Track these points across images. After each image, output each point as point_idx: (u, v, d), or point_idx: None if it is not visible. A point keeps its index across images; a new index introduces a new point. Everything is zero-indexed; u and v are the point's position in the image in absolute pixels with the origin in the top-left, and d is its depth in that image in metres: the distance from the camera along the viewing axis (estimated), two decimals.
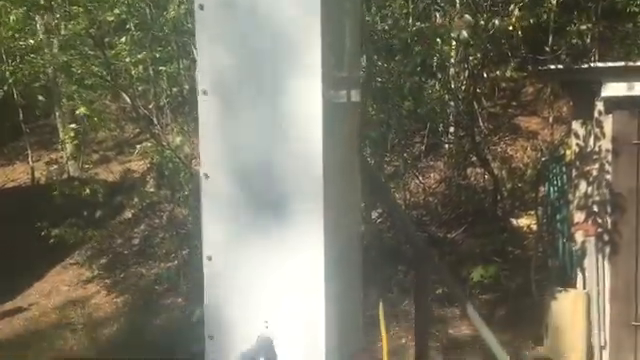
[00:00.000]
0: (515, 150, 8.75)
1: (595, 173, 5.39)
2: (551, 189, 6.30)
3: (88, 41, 7.58)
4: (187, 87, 7.30)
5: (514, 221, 7.51)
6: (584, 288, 5.46)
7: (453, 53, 7.41)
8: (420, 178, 8.21)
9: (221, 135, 2.01)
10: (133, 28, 7.53)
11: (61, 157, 11.19)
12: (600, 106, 5.29)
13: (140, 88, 8.50)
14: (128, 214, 9.26)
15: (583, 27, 7.28)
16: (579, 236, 5.54)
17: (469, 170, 8.21)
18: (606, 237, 5.25)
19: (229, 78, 2.01)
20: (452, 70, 7.72)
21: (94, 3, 7.43)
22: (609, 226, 5.23)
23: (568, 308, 5.36)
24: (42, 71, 9.46)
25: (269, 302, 2.00)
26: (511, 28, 6.07)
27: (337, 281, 2.11)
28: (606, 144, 5.28)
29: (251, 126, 1.99)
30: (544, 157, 7.60)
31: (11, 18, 8.28)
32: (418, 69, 6.58)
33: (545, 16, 7.26)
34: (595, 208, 5.37)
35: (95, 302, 7.57)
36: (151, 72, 8.33)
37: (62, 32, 8.32)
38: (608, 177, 5.27)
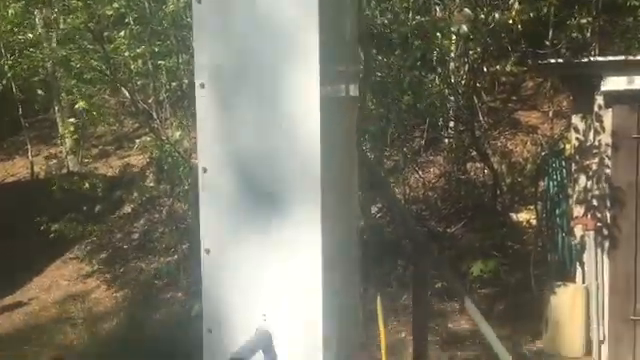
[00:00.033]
0: (515, 144, 8.74)
1: (595, 167, 5.39)
2: (551, 183, 6.30)
3: (87, 35, 7.56)
4: (186, 81, 7.29)
5: (514, 216, 7.51)
6: (583, 282, 5.47)
7: (453, 47, 7.38)
8: (420, 173, 8.21)
9: (219, 129, 2.01)
10: (132, 22, 7.51)
11: (60, 152, 11.19)
12: (600, 100, 5.29)
13: (139, 82, 8.49)
14: (128, 209, 9.26)
15: (583, 21, 7.25)
16: (578, 230, 5.54)
17: (469, 165, 8.20)
18: (605, 231, 5.25)
19: (227, 72, 2.00)
20: (452, 64, 7.70)
21: None
22: (608, 220, 5.23)
23: (567, 302, 5.37)
24: (41, 65, 9.44)
25: (267, 295, 2.00)
26: (511, 22, 6.05)
27: (335, 275, 2.11)
28: (606, 138, 5.27)
29: (249, 120, 1.99)
30: (544, 151, 7.59)
31: (10, 12, 8.26)
32: (418, 63, 6.57)
33: (545, 10, 7.22)
34: (595, 202, 5.37)
35: (95, 296, 7.58)
36: (150, 66, 8.32)
37: (61, 26, 8.30)
38: (608, 171, 5.27)
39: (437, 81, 7.36)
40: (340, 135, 2.29)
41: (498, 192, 7.62)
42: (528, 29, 6.76)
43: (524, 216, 7.39)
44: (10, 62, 9.24)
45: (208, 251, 2.09)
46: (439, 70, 7.25)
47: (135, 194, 8.81)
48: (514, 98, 9.01)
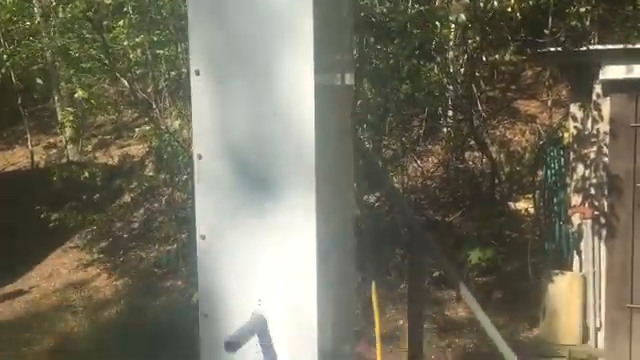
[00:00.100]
0: (514, 134, 8.75)
1: (593, 156, 5.40)
2: (548, 172, 6.31)
3: (86, 24, 7.55)
4: (185, 71, 7.28)
5: (512, 204, 7.53)
6: (580, 270, 5.50)
7: (452, 36, 7.38)
8: (418, 162, 8.22)
9: (214, 116, 2.02)
10: (131, 11, 7.50)
11: (60, 141, 11.21)
12: (598, 89, 5.29)
13: (138, 72, 8.49)
14: (127, 198, 9.29)
15: (583, 9, 7.24)
16: (576, 219, 5.56)
17: (467, 154, 8.22)
18: (602, 220, 5.27)
19: (222, 59, 2.01)
20: (451, 53, 7.69)
21: None
22: (606, 209, 5.25)
23: (564, 290, 5.40)
24: (40, 55, 9.43)
25: (262, 280, 2.02)
26: (510, 10, 6.04)
27: (330, 260, 2.13)
28: (604, 127, 5.28)
29: (244, 107, 2.00)
30: (542, 140, 7.60)
31: (8, 0, 8.24)
32: (416, 52, 6.56)
33: None
34: (592, 191, 5.39)
35: (95, 285, 7.62)
36: (149, 55, 8.32)
37: (60, 15, 8.28)
38: (605, 160, 5.28)
39: (436, 70, 7.36)
40: (335, 122, 2.31)
41: (496, 181, 7.64)
42: (527, 18, 6.74)
43: (522, 205, 7.41)
44: (9, 51, 9.24)
45: (204, 237, 2.11)
46: (438, 59, 7.25)
47: (135, 183, 8.84)
48: (513, 87, 9.00)
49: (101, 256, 8.24)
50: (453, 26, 6.90)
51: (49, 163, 10.76)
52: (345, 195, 2.53)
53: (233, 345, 1.86)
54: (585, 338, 5.35)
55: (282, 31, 2.01)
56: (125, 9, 7.51)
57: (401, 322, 5.90)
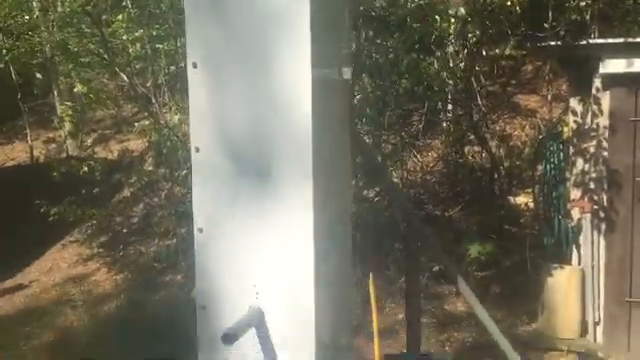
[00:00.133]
0: (513, 128, 8.74)
1: (592, 150, 5.40)
2: (548, 167, 6.31)
3: (85, 18, 7.53)
4: (184, 65, 7.26)
5: (511, 199, 7.53)
6: (579, 265, 5.50)
7: (451, 30, 7.36)
8: (418, 157, 8.22)
9: (211, 108, 2.02)
10: (130, 5, 7.48)
11: (59, 136, 11.21)
12: (598, 83, 5.28)
13: (138, 66, 8.47)
14: (127, 192, 9.30)
15: (583, 3, 7.21)
16: (575, 213, 5.56)
17: (467, 148, 8.21)
18: (602, 214, 5.28)
19: (219, 51, 2.01)
20: (451, 48, 7.67)
21: None
22: (605, 203, 5.25)
23: (563, 284, 5.41)
24: (39, 49, 9.42)
25: (260, 273, 2.02)
26: (510, 4, 6.02)
27: (327, 253, 2.13)
28: (603, 121, 5.28)
29: (241, 99, 2.00)
30: (542, 135, 7.59)
31: None
32: (416, 46, 6.55)
33: None
34: (592, 185, 5.39)
35: (95, 279, 7.63)
36: (148, 50, 8.30)
37: (59, 9, 8.26)
38: (605, 154, 5.27)
39: (435, 64, 7.34)
40: (332, 116, 2.30)
41: (496, 176, 7.64)
42: (527, 12, 6.72)
43: (522, 199, 7.41)
44: (8, 46, 9.22)
45: (201, 230, 2.11)
46: (438, 53, 7.23)
47: (134, 178, 8.84)
48: (513, 82, 8.98)
49: (101, 250, 8.25)
50: (453, 20, 6.88)
51: (49, 158, 10.77)
52: (343, 189, 2.53)
53: (230, 338, 1.87)
54: (584, 332, 5.36)
55: (279, 24, 2.00)
56: (124, 3, 7.49)
57: (400, 316, 5.91)
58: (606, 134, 5.25)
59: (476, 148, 8.09)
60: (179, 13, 6.74)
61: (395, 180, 7.44)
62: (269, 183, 2.03)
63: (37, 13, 8.97)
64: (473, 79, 7.69)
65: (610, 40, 5.37)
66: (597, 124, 5.33)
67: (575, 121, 5.67)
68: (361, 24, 6.00)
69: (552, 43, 5.87)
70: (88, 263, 8.04)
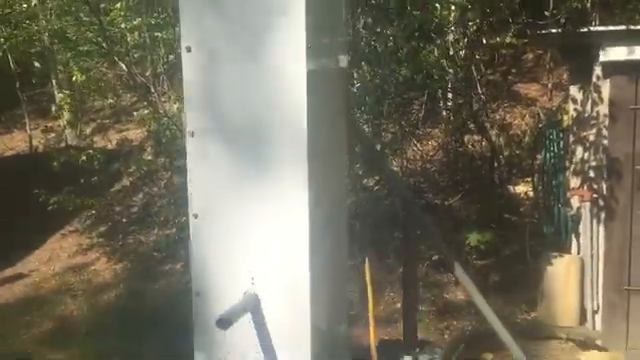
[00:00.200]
0: (513, 117, 8.72)
1: (592, 138, 5.37)
2: (548, 155, 6.29)
3: (83, 7, 7.49)
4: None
5: (511, 188, 7.52)
6: (578, 253, 5.50)
7: (451, 18, 7.32)
8: (418, 145, 8.20)
9: (206, 93, 2.01)
10: None
11: (58, 125, 11.19)
12: (598, 71, 5.25)
13: (136, 55, 8.43)
14: (126, 182, 9.29)
15: None
16: (575, 201, 5.55)
17: (467, 137, 8.19)
18: (601, 202, 5.26)
19: (213, 36, 1.99)
20: (451, 36, 7.64)
21: None
22: (605, 191, 5.23)
23: (562, 273, 5.40)
24: (37, 38, 9.38)
25: (255, 259, 2.02)
26: None
27: (323, 239, 2.12)
28: (603, 109, 5.25)
29: (235, 84, 1.99)
30: (542, 124, 7.57)
31: None
32: (416, 34, 6.51)
33: None
34: (591, 173, 5.37)
35: (95, 269, 7.64)
36: (147, 38, 8.26)
37: None
38: (605, 142, 5.25)
39: (435, 53, 7.31)
40: (328, 104, 2.29)
41: (496, 164, 7.62)
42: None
43: (521, 188, 7.40)
44: (6, 34, 9.18)
45: (196, 216, 2.11)
46: (437, 41, 7.20)
47: (134, 167, 8.83)
48: (514, 70, 8.95)
49: (100, 240, 8.25)
50: (453, 7, 6.84)
51: (48, 147, 10.76)
52: (339, 176, 2.52)
53: (225, 322, 1.87)
54: (582, 320, 5.36)
55: (274, 10, 1.98)
56: None
57: (399, 305, 5.91)
58: (606, 122, 5.22)
59: (476, 137, 8.07)
60: (177, 1, 6.71)
61: (395, 169, 7.43)
62: (264, 169, 2.02)
63: (35, 1, 8.92)
64: (473, 67, 7.66)
65: (611, 27, 5.33)
66: (597, 112, 5.30)
67: (575, 109, 5.65)
68: (360, 12, 5.96)
69: (553, 31, 5.83)
70: (88, 252, 8.05)
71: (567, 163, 5.80)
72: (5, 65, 10.37)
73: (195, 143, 2.02)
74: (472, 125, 7.94)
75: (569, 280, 5.36)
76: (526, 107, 8.79)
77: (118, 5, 7.29)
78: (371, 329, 2.35)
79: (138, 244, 7.99)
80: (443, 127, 8.38)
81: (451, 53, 7.51)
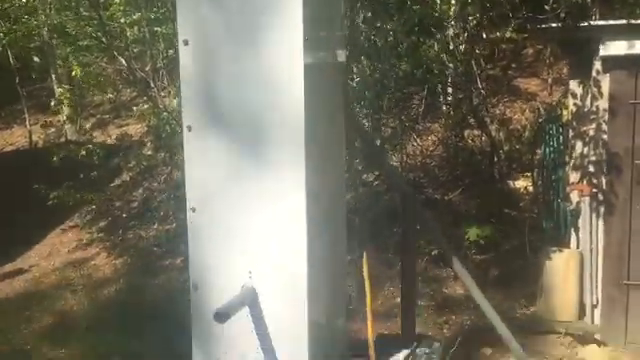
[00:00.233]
0: (513, 112, 8.71)
1: (592, 133, 5.37)
2: (547, 150, 6.29)
3: (82, 2, 7.48)
4: None
5: (511, 183, 7.52)
6: (578, 248, 5.50)
7: (451, 12, 7.31)
8: (418, 140, 8.20)
9: (202, 86, 2.00)
10: None
11: (58, 120, 11.19)
12: (598, 65, 5.24)
13: (136, 50, 8.43)
14: (126, 177, 9.30)
15: None
16: (574, 196, 5.55)
17: (467, 132, 8.19)
18: (600, 197, 5.26)
19: (210, 29, 1.99)
20: (451, 31, 7.62)
21: None
22: (604, 186, 5.23)
23: (561, 267, 5.40)
24: (37, 32, 9.37)
25: (253, 253, 2.02)
26: None
27: (320, 233, 2.12)
28: (603, 104, 5.24)
29: (232, 78, 1.98)
30: (541, 118, 7.57)
31: None
32: (416, 29, 6.50)
33: None
34: (591, 168, 5.36)
35: (95, 264, 7.65)
36: (147, 33, 8.25)
37: None
38: (604, 137, 5.24)
39: (435, 47, 7.30)
40: (325, 98, 2.28)
41: (496, 159, 7.62)
42: None
43: (521, 183, 7.40)
44: (5, 29, 9.17)
45: (194, 209, 2.11)
46: (437, 36, 7.18)
47: (133, 162, 8.84)
48: (514, 65, 8.93)
49: (100, 235, 8.26)
50: (453, 2, 6.83)
51: (47, 142, 10.77)
52: (337, 170, 2.52)
53: (222, 316, 1.87)
54: (581, 315, 5.37)
55: (271, 2, 1.97)
56: None
57: (399, 300, 5.92)
58: (606, 117, 5.21)
59: (476, 132, 8.06)
60: None
61: (395, 164, 7.43)
62: (262, 163, 2.02)
63: None
64: (473, 62, 7.65)
65: (611, 22, 5.32)
66: (597, 107, 5.29)
67: (575, 104, 5.63)
68: (360, 6, 5.95)
69: (553, 25, 5.81)
70: (88, 247, 8.06)
71: (567, 158, 5.79)
72: (5, 60, 10.36)
73: (192, 136, 2.01)
74: (472, 120, 7.94)
75: (568, 275, 5.36)
76: (526, 102, 8.78)
77: (117, 0, 7.29)
78: (369, 323, 2.35)
79: (138, 239, 8.00)
80: (443, 122, 8.37)
81: (451, 48, 7.50)
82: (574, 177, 5.56)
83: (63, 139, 10.78)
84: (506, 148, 7.90)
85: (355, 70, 6.39)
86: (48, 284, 7.28)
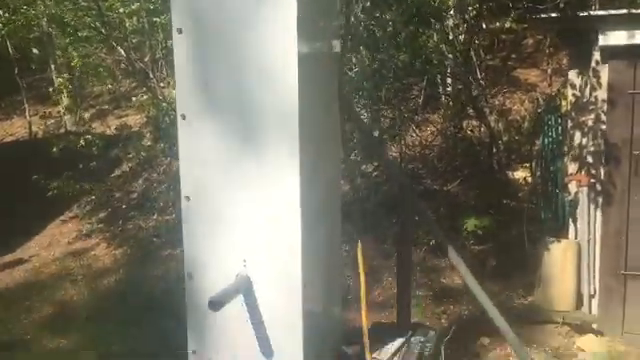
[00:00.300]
0: (513, 103, 8.70)
1: (590, 123, 5.36)
2: (546, 140, 6.28)
3: None
4: None
5: (510, 173, 7.52)
6: (576, 238, 5.50)
7: (451, 3, 7.28)
8: (417, 131, 8.19)
9: (197, 75, 2.00)
10: None
11: (58, 111, 11.19)
12: (597, 56, 5.23)
13: (135, 40, 8.41)
14: (126, 167, 9.30)
15: None
16: (572, 187, 5.55)
17: (466, 123, 8.18)
18: (599, 187, 5.26)
19: (204, 18, 1.99)
20: (450, 21, 7.60)
21: None
22: (602, 176, 5.23)
23: (559, 257, 5.42)
24: (36, 23, 9.34)
25: (247, 241, 2.02)
26: None
27: (315, 223, 2.13)
28: (602, 94, 5.23)
29: (226, 67, 1.98)
30: (540, 109, 7.55)
31: None
32: (414, 19, 6.48)
33: None
34: (589, 159, 5.36)
35: (94, 254, 7.67)
36: (145, 24, 8.23)
37: None
38: (603, 127, 5.24)
39: (435, 38, 7.28)
40: (321, 88, 2.28)
41: (495, 150, 7.62)
42: None
43: (520, 174, 7.40)
44: (4, 20, 9.14)
45: (188, 198, 2.12)
46: (437, 26, 7.16)
47: (133, 153, 8.84)
48: (513, 56, 8.90)
49: (100, 226, 8.28)
50: None
51: (47, 133, 10.77)
52: (332, 159, 2.52)
53: (216, 304, 1.88)
54: (579, 304, 5.38)
55: None
56: None
57: (396, 290, 5.94)
58: (604, 107, 5.21)
59: (475, 122, 8.05)
60: None
61: (394, 154, 7.42)
62: (256, 152, 2.02)
63: None
64: (473, 53, 7.63)
65: (612, 12, 5.29)
66: (596, 97, 5.28)
67: (574, 94, 5.62)
68: None
69: (552, 15, 5.79)
70: (87, 238, 8.08)
71: (565, 148, 5.79)
72: (4, 51, 10.35)
73: (186, 126, 2.02)
74: (471, 111, 7.92)
75: (566, 265, 5.38)
76: (525, 92, 8.77)
77: None
78: (363, 312, 2.36)
79: (138, 229, 8.02)
80: (442, 112, 8.36)
81: (450, 38, 7.48)
82: (572, 168, 5.56)
83: (63, 130, 10.79)
84: (505, 139, 7.89)
85: (354, 60, 6.37)
86: (48, 274, 7.31)
